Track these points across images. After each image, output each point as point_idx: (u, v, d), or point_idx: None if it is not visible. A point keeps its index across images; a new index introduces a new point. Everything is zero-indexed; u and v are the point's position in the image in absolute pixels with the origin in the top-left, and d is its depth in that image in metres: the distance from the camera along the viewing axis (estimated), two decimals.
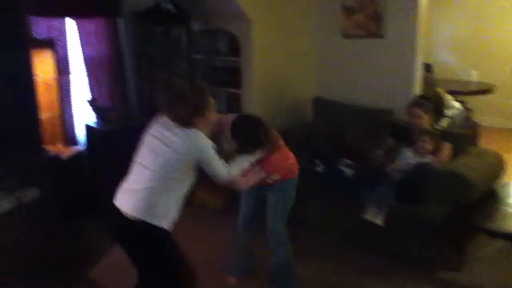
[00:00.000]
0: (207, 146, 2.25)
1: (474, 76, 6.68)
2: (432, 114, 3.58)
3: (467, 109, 5.29)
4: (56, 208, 3.09)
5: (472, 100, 6.09)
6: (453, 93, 5.66)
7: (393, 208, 3.26)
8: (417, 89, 4.23)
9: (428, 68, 6.67)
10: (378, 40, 4.32)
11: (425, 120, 3.51)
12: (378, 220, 3.25)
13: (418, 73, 4.23)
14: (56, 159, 3.12)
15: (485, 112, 6.56)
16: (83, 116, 4.03)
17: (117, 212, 2.21)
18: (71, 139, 3.85)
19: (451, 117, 4.77)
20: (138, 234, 2.19)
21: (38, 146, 3.02)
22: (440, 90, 5.12)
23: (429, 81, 5.68)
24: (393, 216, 3.24)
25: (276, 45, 4.41)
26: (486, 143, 5.30)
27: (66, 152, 3.54)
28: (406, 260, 3.26)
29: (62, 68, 3.74)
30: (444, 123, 4.84)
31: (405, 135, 3.61)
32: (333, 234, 3.63)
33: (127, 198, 2.21)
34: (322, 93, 4.72)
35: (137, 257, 2.31)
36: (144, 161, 2.24)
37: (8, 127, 2.86)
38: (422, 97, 3.80)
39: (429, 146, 3.40)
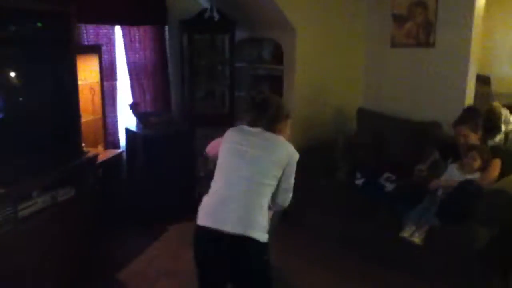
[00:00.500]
0: (296, 155, 2.18)
1: None
2: (480, 129, 3.35)
3: None
4: (91, 208, 3.15)
5: None
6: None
7: (434, 227, 3.09)
8: (469, 101, 4.00)
9: (486, 81, 6.33)
10: (428, 49, 4.14)
11: (472, 138, 3.29)
12: (416, 239, 3.08)
13: (471, 85, 4.00)
14: (93, 160, 3.18)
15: None
16: (126, 120, 4.12)
17: (209, 233, 2.05)
18: (112, 142, 3.94)
19: (507, 133, 4.48)
20: (241, 251, 2.04)
21: (77, 147, 3.10)
22: (496, 104, 4.82)
23: (486, 95, 5.39)
24: (433, 235, 3.07)
25: (320, 54, 4.33)
26: None
27: (105, 154, 3.62)
28: (445, 283, 3.05)
29: (108, 73, 3.85)
30: (498, 138, 4.55)
31: (451, 150, 3.41)
32: (364, 251, 3.47)
33: (224, 214, 2.03)
34: (367, 104, 4.59)
35: (235, 277, 2.14)
36: (236, 171, 2.11)
37: (50, 127, 2.96)
38: (470, 109, 3.55)
39: (476, 163, 3.19)
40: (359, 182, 3.80)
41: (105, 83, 3.78)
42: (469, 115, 3.39)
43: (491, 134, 4.60)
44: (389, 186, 3.62)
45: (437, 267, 3.08)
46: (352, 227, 3.56)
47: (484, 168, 3.20)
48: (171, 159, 3.97)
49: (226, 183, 2.12)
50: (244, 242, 1.99)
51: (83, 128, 3.55)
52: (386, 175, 3.77)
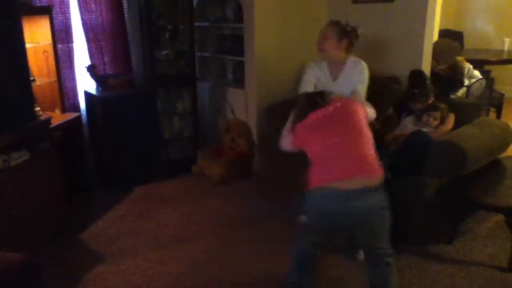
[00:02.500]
0: None
1: (507, 44, 6.25)
2: (431, 92, 3.40)
3: (490, 78, 4.99)
4: (48, 171, 3.16)
5: (502, 70, 5.77)
6: (481, 62, 5.39)
7: (386, 179, 3.15)
8: (427, 56, 4.01)
9: (457, 36, 6.35)
10: (388, 4, 4.11)
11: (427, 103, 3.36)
12: None
13: (430, 40, 4.00)
14: (46, 123, 3.17)
15: None
16: (86, 83, 4.08)
17: None
18: (72, 106, 3.92)
19: (468, 87, 4.53)
20: None
21: (29, 111, 3.07)
22: (460, 58, 4.87)
23: (451, 49, 5.41)
24: (385, 187, 3.13)
25: (281, 10, 4.27)
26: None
27: (62, 117, 3.61)
28: (396, 233, 3.14)
29: (63, 35, 3.79)
30: (461, 92, 4.61)
31: (406, 105, 3.45)
32: None
33: None
34: None
35: None
36: None
37: None
38: (415, 77, 3.56)
39: (436, 122, 3.26)
40: None
41: (60, 46, 3.74)
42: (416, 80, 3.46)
43: (453, 88, 4.67)
44: None
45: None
46: None
47: (440, 123, 3.27)
48: (133, 121, 3.96)
49: None
50: None
51: (38, 91, 3.54)
52: None
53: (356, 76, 3.04)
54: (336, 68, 3.08)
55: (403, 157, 3.14)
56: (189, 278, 2.77)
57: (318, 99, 2.30)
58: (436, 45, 4.63)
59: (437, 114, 3.26)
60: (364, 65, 3.07)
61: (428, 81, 3.51)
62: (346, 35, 2.95)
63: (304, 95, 2.47)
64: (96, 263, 2.92)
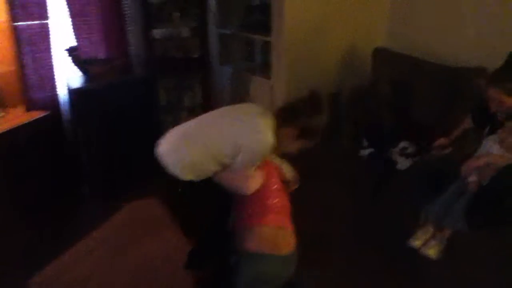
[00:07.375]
0: None
1: None
2: None
3: None
4: None
5: None
6: None
7: (459, 233, 2.10)
8: None
9: None
10: None
11: (507, 103, 2.14)
12: (430, 250, 2.11)
13: None
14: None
15: None
16: (63, 71, 3.21)
17: None
18: (44, 100, 3.07)
19: None
20: None
21: None
22: None
23: None
24: (458, 245, 2.08)
25: None
26: None
27: (21, 118, 2.79)
28: None
29: (35, 8, 2.93)
30: None
31: (490, 115, 2.28)
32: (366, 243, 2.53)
33: None
34: (387, 43, 3.45)
35: None
36: None
37: None
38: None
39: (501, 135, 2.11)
40: (364, 152, 2.80)
41: (30, 23, 2.89)
42: (507, 70, 2.21)
43: None
44: (403, 163, 2.58)
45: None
46: (352, 208, 2.67)
47: None
48: (125, 118, 3.09)
49: None
50: None
51: None
52: (402, 144, 2.72)
53: None
54: None
55: (487, 200, 2.05)
56: None
57: None
58: None
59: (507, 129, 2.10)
60: None
61: None
62: None
63: None
64: None
